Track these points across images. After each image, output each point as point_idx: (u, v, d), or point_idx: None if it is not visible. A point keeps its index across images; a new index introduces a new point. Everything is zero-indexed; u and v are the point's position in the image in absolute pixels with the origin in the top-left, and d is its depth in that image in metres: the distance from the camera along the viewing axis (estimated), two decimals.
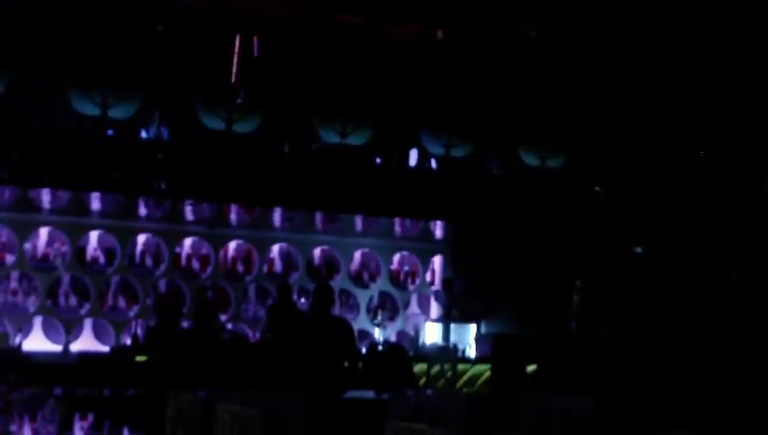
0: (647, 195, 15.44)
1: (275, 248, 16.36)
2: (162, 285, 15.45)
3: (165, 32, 14.61)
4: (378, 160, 16.25)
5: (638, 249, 15.73)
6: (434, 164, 16.44)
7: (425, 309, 17.17)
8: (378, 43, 15.93)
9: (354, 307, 16.59)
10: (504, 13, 15.09)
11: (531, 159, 15.91)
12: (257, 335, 15.60)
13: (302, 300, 15.64)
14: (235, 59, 15.47)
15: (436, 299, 17.03)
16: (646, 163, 15.54)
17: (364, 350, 14.61)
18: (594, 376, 14.11)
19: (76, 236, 14.98)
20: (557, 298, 16.13)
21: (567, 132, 15.89)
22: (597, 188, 16.02)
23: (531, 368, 14.95)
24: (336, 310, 16.26)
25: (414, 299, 17.16)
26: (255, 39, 15.59)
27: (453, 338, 15.70)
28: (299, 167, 15.37)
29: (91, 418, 9.16)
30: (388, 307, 16.78)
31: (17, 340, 13.96)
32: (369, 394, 11.76)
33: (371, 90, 15.53)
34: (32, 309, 14.59)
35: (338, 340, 10.17)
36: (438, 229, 17.18)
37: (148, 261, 15.48)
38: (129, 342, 14.25)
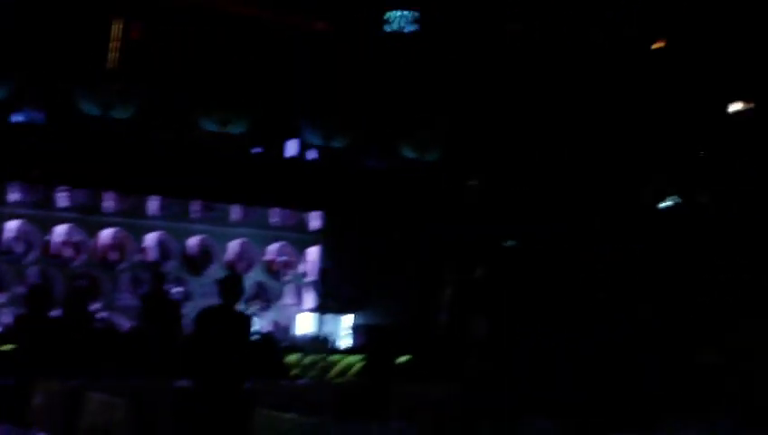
0: (520, 189, 15.80)
1: (150, 237, 16.18)
2: (32, 272, 15.16)
3: (41, 14, 14.34)
4: (256, 150, 16.22)
5: (510, 242, 16.09)
6: (313, 155, 16.49)
7: (299, 300, 17.20)
8: (261, 32, 15.93)
9: None
10: (387, 5, 15.24)
11: (409, 152, 16.12)
12: (130, 324, 15.43)
13: (177, 289, 15.52)
14: (114, 44, 15.27)
15: (312, 290, 17.09)
16: (518, 158, 15.89)
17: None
18: (465, 365, 14.37)
19: None
20: (430, 289, 16.36)
21: (444, 127, 16.14)
22: (470, 182, 16.31)
23: (403, 358, 15.13)
24: (210, 300, 16.27)
25: (289, 290, 17.16)
26: (137, 25, 15.44)
27: (326, 329, 15.80)
28: (176, 154, 15.26)
29: None
30: (262, 297, 16.75)
31: None
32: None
33: (252, 79, 15.53)
34: None
35: (238, 333, 10.08)
36: (315, 220, 17.22)
37: (18, 248, 15.16)
38: None
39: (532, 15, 15.23)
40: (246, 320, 10.46)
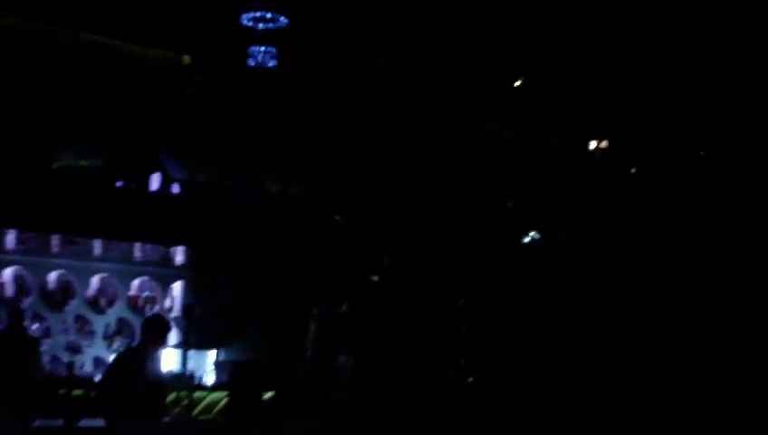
0: (385, 223, 15.92)
1: (6, 272, 15.74)
2: None
3: None
4: (118, 184, 15.98)
5: (375, 277, 16.18)
6: (176, 189, 16.33)
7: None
8: (123, 64, 15.75)
9: (90, 333, 16.17)
10: (250, 40, 15.24)
11: (274, 187, 16.12)
12: None
13: (35, 325, 15.14)
14: None
15: (176, 325, 16.86)
16: (383, 191, 16.01)
17: (99, 377, 14.29)
18: (330, 399, 14.37)
19: None
20: (296, 324, 16.32)
21: (308, 162, 16.20)
22: (336, 217, 16.38)
23: (268, 394, 15.05)
24: (71, 336, 15.92)
25: None
26: None
27: (191, 365, 15.59)
28: (35, 187, 14.93)
29: None
30: (125, 333, 16.45)
31: None
32: (101, 423, 11.51)
33: (114, 111, 15.31)
34: None
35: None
36: (179, 255, 17.03)
37: None
38: None
39: (396, 52, 15.42)
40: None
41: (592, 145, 16.50)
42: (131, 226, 15.72)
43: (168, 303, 17.10)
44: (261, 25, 15.07)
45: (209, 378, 15.89)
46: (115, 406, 9.18)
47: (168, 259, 17.09)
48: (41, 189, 14.96)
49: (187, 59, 16.05)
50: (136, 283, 16.84)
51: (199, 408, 14.98)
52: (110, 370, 9.47)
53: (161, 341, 9.56)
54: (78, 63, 15.39)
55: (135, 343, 10.02)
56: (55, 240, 15.99)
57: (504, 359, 14.16)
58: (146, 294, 16.94)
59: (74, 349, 15.84)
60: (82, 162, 14.93)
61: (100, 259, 16.49)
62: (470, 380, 13.98)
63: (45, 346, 15.00)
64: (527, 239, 16.62)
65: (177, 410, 14.48)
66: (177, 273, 17.18)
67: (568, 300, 14.30)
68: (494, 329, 14.75)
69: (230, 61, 15.61)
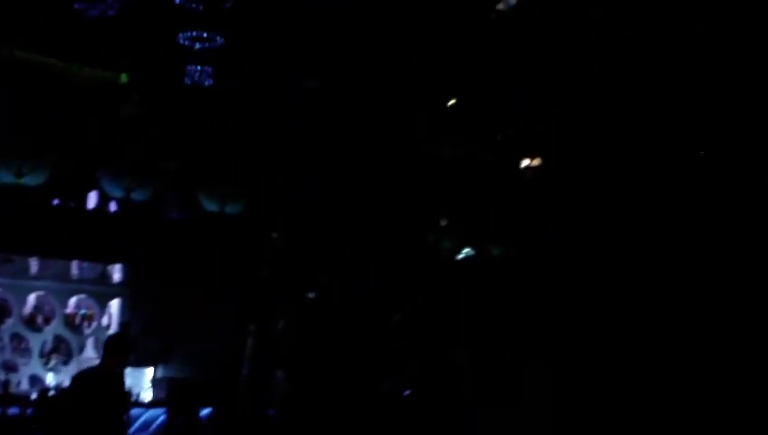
0: (320, 241, 16.10)
1: None
2: None
3: None
4: (55, 202, 16.00)
5: (311, 294, 16.35)
6: (113, 207, 16.39)
7: (100, 353, 16.92)
8: (61, 82, 15.77)
9: (26, 351, 16.18)
10: (186, 59, 15.35)
11: (211, 205, 16.25)
12: None
13: None
14: None
15: None
16: (318, 211, 16.19)
17: (35, 395, 14.33)
18: (266, 418, 14.51)
19: None
20: (233, 341, 16.41)
21: (246, 180, 16.33)
22: (273, 235, 16.51)
23: (206, 411, 15.13)
24: (7, 355, 15.89)
25: (90, 343, 16.91)
26: None
27: (128, 382, 15.60)
28: None
29: None
30: (62, 351, 16.47)
31: None
32: None
33: (51, 129, 15.33)
34: None
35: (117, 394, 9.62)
36: (117, 272, 17.08)
37: None
38: None
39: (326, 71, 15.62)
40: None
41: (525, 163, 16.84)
42: (68, 243, 15.73)
43: (105, 320, 17.14)
44: (197, 45, 15.22)
45: (147, 395, 15.95)
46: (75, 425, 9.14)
47: (105, 277, 17.14)
48: None
49: (124, 77, 16.11)
50: (73, 300, 16.87)
51: (137, 424, 15.02)
52: (73, 388, 9.41)
53: (124, 359, 9.48)
54: (16, 82, 15.38)
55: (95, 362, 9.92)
56: None
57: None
58: (83, 311, 16.97)
59: (10, 367, 15.82)
60: (19, 180, 14.89)
61: (37, 277, 16.52)
62: (405, 393, 14.22)
63: None
64: (461, 256, 16.94)
65: None
66: (115, 290, 17.23)
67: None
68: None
69: (166, 80, 15.71)
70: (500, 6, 15.51)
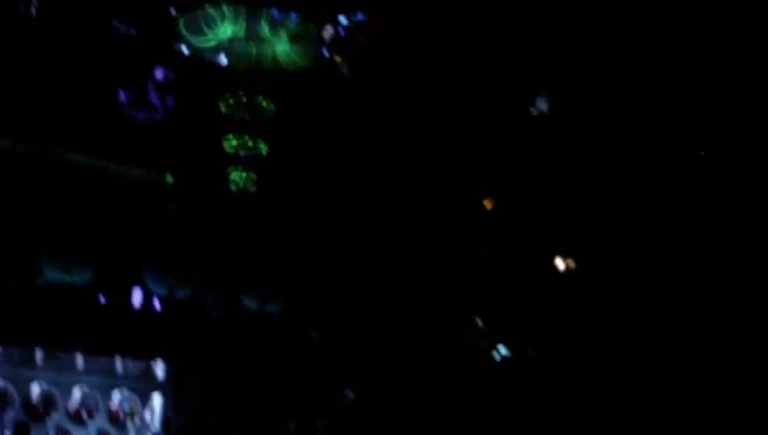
0: (356, 340, 16.25)
1: None
2: None
3: None
4: (101, 299, 16.38)
5: (349, 393, 16.44)
6: (157, 304, 16.72)
7: None
8: (108, 182, 16.30)
9: None
10: (226, 162, 15.83)
11: (251, 303, 16.51)
12: None
13: None
14: None
15: None
16: (358, 310, 16.37)
17: None
18: None
19: None
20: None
21: (285, 279, 16.59)
22: (312, 333, 16.71)
23: None
24: None
25: None
26: None
27: None
28: (17, 301, 15.30)
29: None
30: None
31: None
32: None
33: (96, 228, 15.80)
34: None
35: None
36: (160, 369, 17.31)
37: None
38: None
39: None
40: None
41: None
42: (113, 340, 16.05)
43: (147, 416, 17.31)
44: (242, 152, 15.71)
45: None
46: None
47: (148, 373, 17.35)
48: (23, 303, 15.31)
49: (169, 178, 16.59)
50: (117, 396, 17.07)
51: None
52: None
53: None
54: (64, 181, 15.94)
55: None
56: (38, 353, 16.34)
57: None
58: (126, 407, 17.16)
59: None
60: (66, 277, 15.32)
61: (82, 372, 16.78)
62: None
63: None
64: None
65: None
66: (158, 387, 17.43)
67: None
68: None
69: (211, 182, 16.16)
70: (533, 111, 15.79)
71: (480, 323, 16.57)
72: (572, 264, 16.72)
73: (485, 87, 16.00)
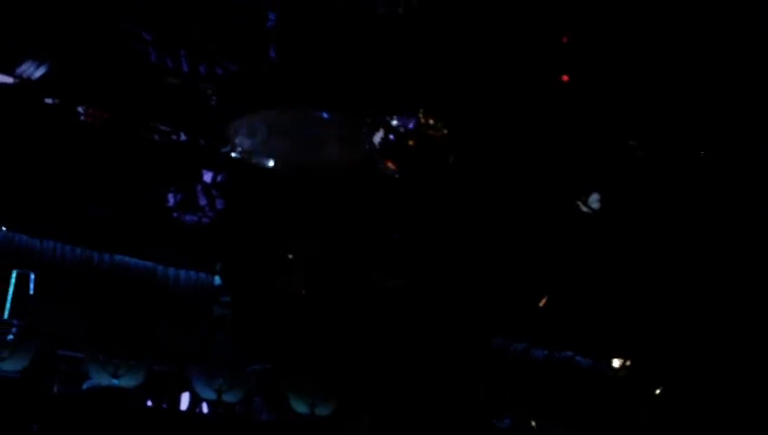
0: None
1: None
2: None
3: None
4: (149, 403, 16.26)
5: None
6: (205, 408, 16.56)
7: None
8: (155, 283, 16.33)
9: None
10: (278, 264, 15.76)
11: (300, 407, 16.29)
12: None
13: None
14: (11, 295, 15.46)
15: None
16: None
17: None
18: None
19: None
20: None
21: (336, 381, 16.42)
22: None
23: None
24: None
25: None
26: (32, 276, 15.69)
27: None
28: (67, 407, 15.21)
29: None
30: None
31: None
32: None
33: (146, 331, 15.76)
34: None
35: None
36: None
37: None
38: None
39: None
40: None
41: None
42: None
43: None
44: (293, 254, 15.71)
45: None
46: None
47: None
48: (73, 408, 15.23)
49: (217, 280, 16.58)
50: None
51: None
52: None
53: None
54: (113, 284, 15.97)
55: None
56: None
57: None
58: None
59: None
60: (114, 381, 15.22)
61: None
62: None
63: None
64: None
65: None
66: None
67: None
68: None
69: (257, 284, 16.10)
70: (584, 208, 15.65)
71: None
72: None
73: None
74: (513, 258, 16.08)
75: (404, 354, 16.07)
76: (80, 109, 14.24)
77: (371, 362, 16.29)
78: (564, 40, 14.54)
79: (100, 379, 15.25)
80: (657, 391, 16.90)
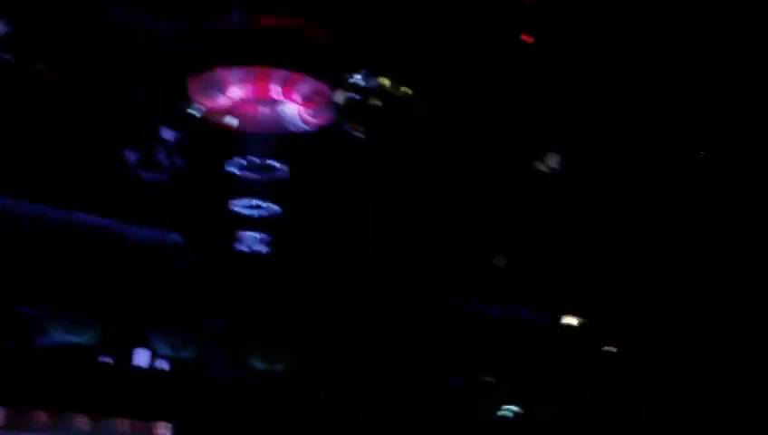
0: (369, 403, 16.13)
1: None
2: None
3: None
4: (104, 359, 16.17)
5: None
6: (163, 365, 16.51)
7: None
8: (113, 242, 16.14)
9: None
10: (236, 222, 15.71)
11: (258, 364, 16.35)
12: None
13: None
14: None
15: None
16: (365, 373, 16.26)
17: None
18: None
19: None
20: None
21: (292, 338, 16.48)
22: (320, 394, 16.55)
23: None
24: None
25: None
26: None
27: None
28: (20, 363, 15.09)
29: None
30: None
31: None
32: None
33: (102, 290, 15.64)
34: None
35: None
36: (164, 430, 17.06)
37: None
38: None
39: None
40: None
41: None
42: (116, 402, 15.82)
43: None
44: (255, 213, 15.62)
45: None
46: None
47: None
48: (26, 365, 15.12)
49: (177, 238, 16.44)
50: None
51: None
52: None
53: None
54: (69, 242, 15.77)
55: None
56: (42, 417, 16.06)
57: None
58: None
59: None
60: (71, 338, 15.14)
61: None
62: None
63: None
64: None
65: None
66: None
67: None
68: None
69: (219, 243, 16.05)
70: (543, 168, 15.82)
71: None
72: None
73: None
74: (475, 216, 16.23)
75: (361, 317, 16.21)
76: (39, 66, 13.98)
77: (329, 321, 16.39)
78: (527, 2, 14.61)
79: (57, 335, 15.15)
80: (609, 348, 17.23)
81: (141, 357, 16.56)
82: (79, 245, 15.90)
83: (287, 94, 14.74)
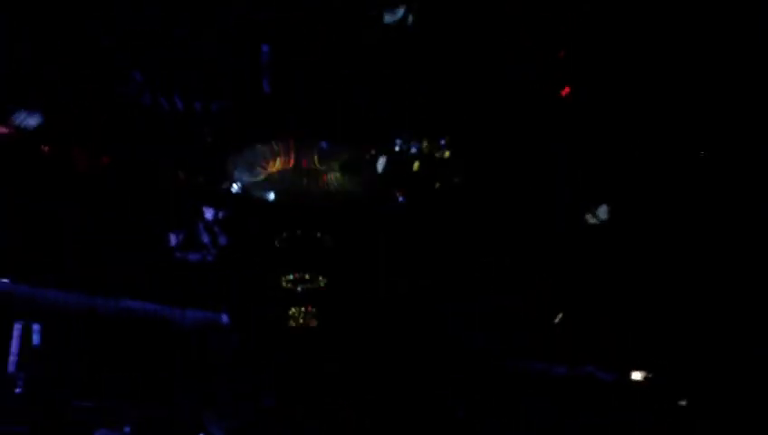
0: None
1: None
2: None
3: None
4: None
5: None
6: None
7: None
8: (163, 327, 16.05)
9: None
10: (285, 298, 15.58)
11: None
12: None
13: None
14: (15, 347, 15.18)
15: None
16: None
17: None
18: None
19: None
20: None
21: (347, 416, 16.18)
22: None
23: None
24: None
25: None
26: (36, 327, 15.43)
27: None
28: None
29: None
30: None
31: None
32: None
33: (156, 375, 15.50)
34: None
35: None
36: None
37: None
38: None
39: None
40: None
41: None
42: None
43: None
44: (300, 287, 15.53)
45: None
46: None
47: None
48: None
49: (225, 320, 16.34)
50: None
51: None
52: None
53: None
54: (119, 330, 15.72)
55: None
56: None
57: None
58: None
59: None
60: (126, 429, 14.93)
61: None
62: None
63: None
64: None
65: None
66: None
67: None
68: None
69: (267, 322, 15.92)
70: (593, 220, 15.46)
71: None
72: None
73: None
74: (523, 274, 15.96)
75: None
76: (76, 156, 14.01)
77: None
78: (561, 55, 14.41)
79: (110, 430, 14.96)
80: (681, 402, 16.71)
81: None
82: (128, 332, 15.83)
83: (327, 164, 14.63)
